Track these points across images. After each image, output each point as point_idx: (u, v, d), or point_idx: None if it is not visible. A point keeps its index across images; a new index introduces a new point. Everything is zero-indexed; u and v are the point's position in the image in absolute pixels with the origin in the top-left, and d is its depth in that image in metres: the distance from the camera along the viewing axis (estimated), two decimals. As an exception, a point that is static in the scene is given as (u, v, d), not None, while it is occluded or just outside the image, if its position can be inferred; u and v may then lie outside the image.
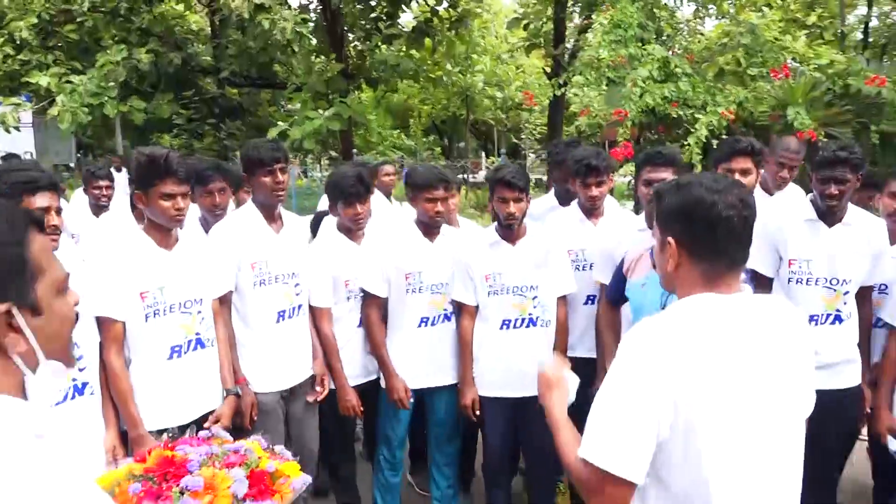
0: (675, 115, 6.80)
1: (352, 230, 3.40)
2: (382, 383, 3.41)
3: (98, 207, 5.13)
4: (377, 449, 3.59)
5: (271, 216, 3.09)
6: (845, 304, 2.93)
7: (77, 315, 1.13)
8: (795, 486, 1.52)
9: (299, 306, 3.13)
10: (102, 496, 0.99)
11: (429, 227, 3.34)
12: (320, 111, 11.18)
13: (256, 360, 3.00)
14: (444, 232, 3.40)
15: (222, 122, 16.60)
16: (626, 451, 1.35)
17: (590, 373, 2.84)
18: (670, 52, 7.45)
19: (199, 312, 2.70)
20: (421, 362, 3.35)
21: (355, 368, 3.40)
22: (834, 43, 16.08)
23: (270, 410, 2.99)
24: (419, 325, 3.33)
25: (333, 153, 23.96)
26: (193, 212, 3.49)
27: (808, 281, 2.93)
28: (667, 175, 2.89)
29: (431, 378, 3.38)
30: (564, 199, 3.92)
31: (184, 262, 2.67)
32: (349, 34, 13.92)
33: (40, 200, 2.31)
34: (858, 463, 3.55)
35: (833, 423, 2.71)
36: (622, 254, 3.00)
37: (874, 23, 19.39)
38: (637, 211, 4.66)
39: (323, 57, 14.29)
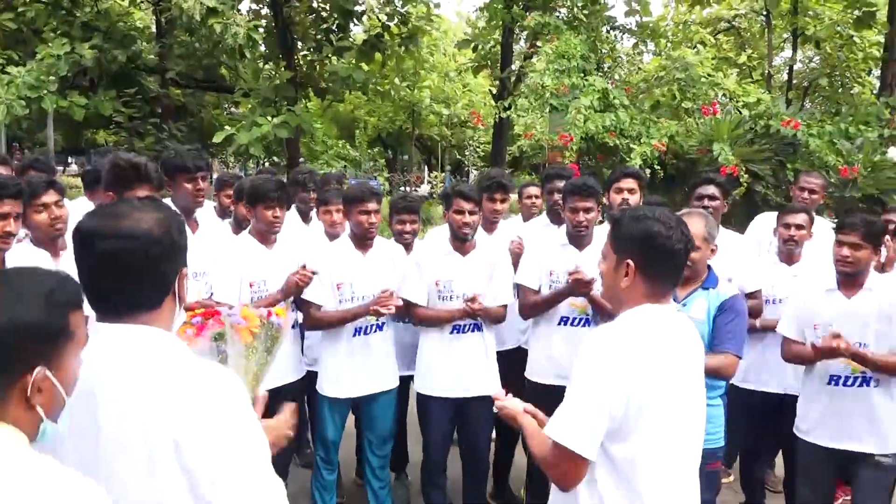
0: (611, 144, 7.18)
1: (265, 234, 3.46)
2: (320, 389, 3.56)
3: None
4: (314, 451, 3.74)
5: (189, 218, 3.25)
6: None
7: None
8: (698, 457, 1.89)
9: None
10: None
11: (361, 240, 3.51)
12: (268, 117, 11.17)
13: None
14: (377, 245, 3.57)
15: (164, 122, 16.33)
16: (586, 436, 1.68)
17: (518, 360, 3.57)
18: (610, 84, 7.87)
19: None
20: (356, 371, 3.49)
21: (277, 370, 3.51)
22: (761, 82, 17.10)
23: None
24: (354, 335, 3.48)
25: (276, 159, 23.80)
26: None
27: None
28: (591, 204, 3.27)
29: (366, 385, 3.53)
30: (556, 220, 4.17)
31: None
32: (299, 43, 13.97)
33: (6, 206, 2.41)
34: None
35: None
36: (547, 263, 3.45)
37: (798, 66, 20.69)
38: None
39: (271, 63, 14.29)
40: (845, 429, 3.04)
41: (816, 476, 3.16)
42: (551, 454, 1.74)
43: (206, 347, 1.79)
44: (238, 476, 1.28)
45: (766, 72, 18.12)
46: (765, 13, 16.94)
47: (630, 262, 1.79)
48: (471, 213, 3.39)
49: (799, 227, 3.70)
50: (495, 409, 2.09)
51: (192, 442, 1.25)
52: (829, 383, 3.07)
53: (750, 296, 3.59)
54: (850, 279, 3.05)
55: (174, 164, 3.19)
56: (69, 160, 34.05)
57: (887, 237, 3.79)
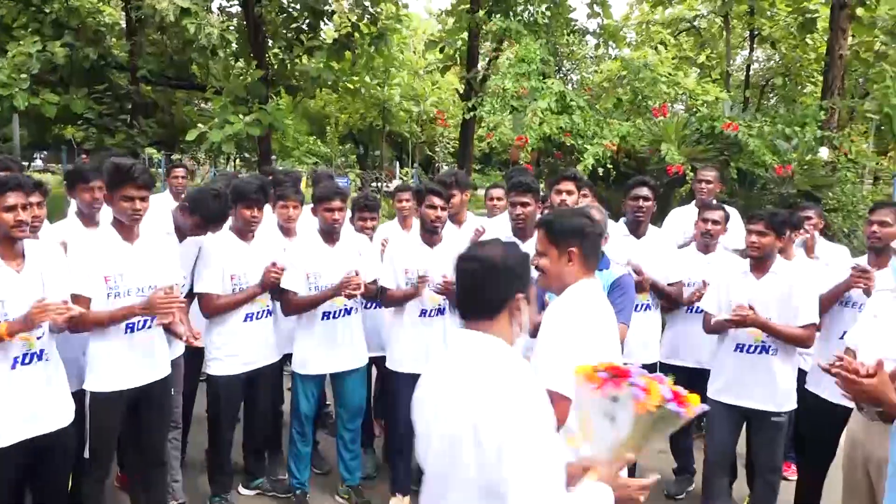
0: (568, 144, 7.64)
1: (244, 231, 3.86)
2: (294, 367, 3.97)
3: None
4: (290, 424, 4.11)
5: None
6: (650, 298, 4.08)
7: None
8: None
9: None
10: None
11: (328, 234, 3.92)
12: (240, 116, 11.42)
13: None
14: (344, 238, 3.97)
15: (135, 118, 16.42)
16: (565, 378, 2.10)
17: None
18: (568, 86, 8.33)
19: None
20: (326, 351, 3.90)
21: (252, 355, 3.87)
22: (721, 81, 17.74)
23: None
24: (324, 319, 3.89)
25: (247, 155, 23.92)
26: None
27: None
28: (527, 199, 3.71)
29: (336, 364, 3.95)
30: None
31: (144, 253, 3.18)
32: (270, 42, 14.19)
33: (11, 199, 2.67)
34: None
35: None
36: None
37: (756, 66, 21.45)
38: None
39: (242, 62, 14.49)
40: (747, 389, 3.59)
41: (719, 428, 3.73)
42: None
43: (601, 403, 1.89)
44: (519, 455, 1.60)
45: (725, 71, 18.81)
46: (724, 14, 17.56)
47: (574, 249, 2.34)
48: (442, 208, 3.82)
49: (715, 222, 4.24)
50: None
51: (487, 425, 1.63)
52: (735, 350, 3.62)
53: (671, 284, 4.17)
54: (759, 263, 3.60)
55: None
56: (34, 156, 33.67)
57: (810, 228, 4.36)
